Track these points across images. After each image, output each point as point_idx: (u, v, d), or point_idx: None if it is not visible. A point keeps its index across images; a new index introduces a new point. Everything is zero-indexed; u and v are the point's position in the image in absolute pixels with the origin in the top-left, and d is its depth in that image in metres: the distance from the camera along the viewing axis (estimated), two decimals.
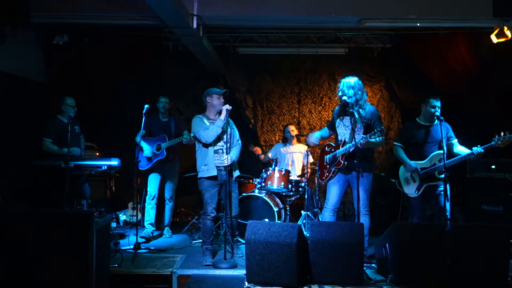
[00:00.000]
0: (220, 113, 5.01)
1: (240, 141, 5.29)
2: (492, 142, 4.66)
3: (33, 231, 3.62)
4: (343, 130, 5.00)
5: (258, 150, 7.24)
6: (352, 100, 4.80)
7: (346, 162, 4.83)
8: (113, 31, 6.19)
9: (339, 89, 4.90)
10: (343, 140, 4.93)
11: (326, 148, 5.18)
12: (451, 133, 5.08)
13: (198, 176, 5.11)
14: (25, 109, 5.73)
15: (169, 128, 6.15)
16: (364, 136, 4.64)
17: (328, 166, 5.04)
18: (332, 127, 5.21)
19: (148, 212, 6.08)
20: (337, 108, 5.18)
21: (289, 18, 5.73)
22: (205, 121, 5.09)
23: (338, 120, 5.06)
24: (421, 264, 3.99)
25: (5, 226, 3.62)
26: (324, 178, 5.09)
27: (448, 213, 4.71)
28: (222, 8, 5.52)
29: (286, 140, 7.05)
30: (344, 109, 4.93)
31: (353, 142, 4.65)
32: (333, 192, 4.98)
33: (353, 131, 4.77)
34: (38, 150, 5.51)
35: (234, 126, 5.26)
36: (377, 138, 4.59)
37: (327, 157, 5.09)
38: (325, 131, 5.32)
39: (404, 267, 4.03)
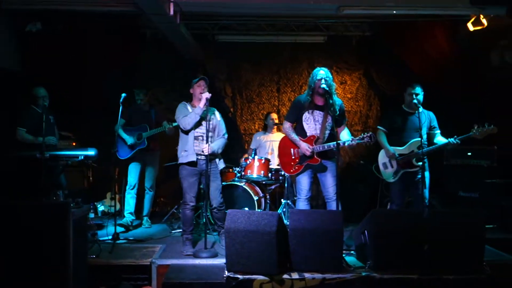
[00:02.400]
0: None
1: (226, 135, 5.18)
2: (470, 133, 4.71)
3: (7, 223, 3.55)
4: (312, 125, 4.85)
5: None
6: (333, 91, 4.76)
7: (321, 159, 4.80)
8: (88, 18, 6.05)
9: (319, 78, 4.67)
10: (316, 136, 4.81)
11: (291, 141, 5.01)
12: (435, 123, 5.12)
13: (178, 162, 5.05)
14: None
15: (150, 117, 6.11)
16: (354, 138, 4.62)
17: (297, 160, 4.91)
18: (295, 119, 4.97)
19: (128, 202, 6.03)
20: (302, 97, 4.94)
21: (267, 5, 5.68)
22: (188, 108, 5.03)
23: (306, 113, 4.87)
24: (399, 250, 4.04)
25: None
26: (292, 171, 4.95)
27: (426, 200, 4.78)
28: None
29: (266, 128, 7.03)
30: (314, 102, 4.83)
31: (334, 143, 4.59)
32: (304, 183, 4.91)
33: (323, 126, 4.77)
34: (11, 139, 5.39)
35: (221, 118, 5.17)
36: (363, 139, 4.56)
37: (294, 150, 4.94)
38: (292, 131, 5.02)
39: (383, 253, 4.07)
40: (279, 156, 5.23)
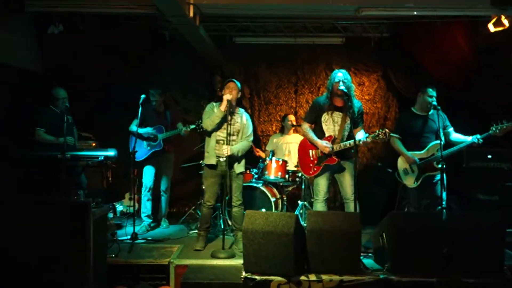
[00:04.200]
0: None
1: (250, 138, 5.19)
2: (490, 131, 4.68)
3: (30, 221, 3.62)
4: (331, 126, 4.89)
5: (261, 154, 7.05)
6: (352, 93, 4.77)
7: (339, 159, 4.81)
8: (109, 20, 6.13)
9: (338, 79, 4.73)
10: (333, 136, 4.85)
11: (309, 141, 5.06)
12: (447, 122, 5.09)
13: (202, 161, 5.21)
14: (19, 99, 5.69)
15: (165, 119, 6.13)
16: (369, 135, 4.62)
17: (315, 161, 4.95)
18: (314, 120, 5.04)
19: (144, 204, 6.08)
20: (321, 99, 4.99)
21: (286, 6, 5.68)
22: (215, 109, 5.07)
23: (325, 114, 4.92)
24: (417, 253, 4.01)
25: (1, 216, 3.61)
26: (311, 173, 4.99)
27: (444, 202, 4.74)
28: None
29: (282, 130, 7.03)
30: (333, 104, 4.85)
31: (351, 141, 4.61)
32: (322, 184, 4.94)
33: (342, 127, 4.76)
34: (32, 140, 5.48)
35: (247, 121, 5.20)
36: (378, 136, 4.55)
37: (312, 152, 5.00)
38: (310, 128, 5.11)
39: (401, 256, 4.05)
40: (299, 158, 5.27)
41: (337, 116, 4.87)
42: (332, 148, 4.83)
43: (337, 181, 4.98)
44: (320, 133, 4.95)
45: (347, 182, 4.84)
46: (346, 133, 4.83)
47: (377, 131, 4.60)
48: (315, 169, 4.94)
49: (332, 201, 6.85)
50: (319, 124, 4.97)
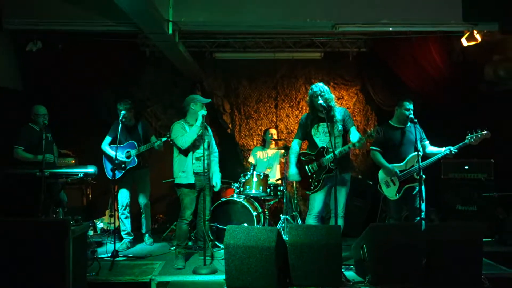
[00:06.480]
0: None
1: (216, 152, 5.44)
2: (466, 141, 4.78)
3: (7, 240, 3.57)
4: (322, 137, 4.89)
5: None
6: (332, 103, 4.82)
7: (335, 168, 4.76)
8: (88, 37, 6.13)
9: (315, 95, 4.75)
10: (325, 147, 4.84)
11: (302, 157, 5.02)
12: (423, 135, 5.18)
13: (175, 182, 5.15)
14: None
15: (136, 133, 6.00)
16: (361, 136, 4.58)
17: (314, 176, 4.90)
18: (304, 137, 5.07)
19: (122, 222, 5.97)
20: (305, 116, 5.07)
21: (264, 23, 5.74)
22: (186, 127, 5.11)
23: (313, 129, 4.94)
24: (397, 264, 4.05)
25: None
26: (312, 188, 4.89)
27: (423, 214, 4.79)
28: (197, 13, 5.52)
29: (264, 143, 7.07)
30: (317, 116, 4.89)
31: (348, 145, 4.64)
32: (319, 200, 4.89)
33: (331, 135, 4.78)
34: (10, 158, 5.41)
35: (210, 131, 5.33)
36: (372, 135, 4.54)
37: (309, 166, 4.94)
38: (297, 149, 5.08)
39: (381, 268, 4.08)
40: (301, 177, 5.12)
41: (324, 126, 4.87)
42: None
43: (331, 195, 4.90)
44: (314, 147, 4.94)
45: (341, 198, 4.81)
46: (339, 140, 4.82)
47: (368, 130, 4.62)
48: (316, 183, 4.87)
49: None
50: (310, 139, 4.99)
